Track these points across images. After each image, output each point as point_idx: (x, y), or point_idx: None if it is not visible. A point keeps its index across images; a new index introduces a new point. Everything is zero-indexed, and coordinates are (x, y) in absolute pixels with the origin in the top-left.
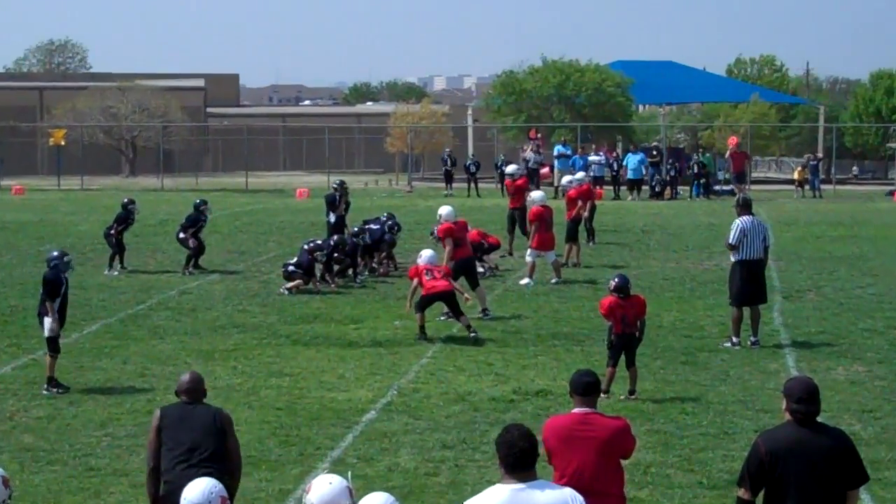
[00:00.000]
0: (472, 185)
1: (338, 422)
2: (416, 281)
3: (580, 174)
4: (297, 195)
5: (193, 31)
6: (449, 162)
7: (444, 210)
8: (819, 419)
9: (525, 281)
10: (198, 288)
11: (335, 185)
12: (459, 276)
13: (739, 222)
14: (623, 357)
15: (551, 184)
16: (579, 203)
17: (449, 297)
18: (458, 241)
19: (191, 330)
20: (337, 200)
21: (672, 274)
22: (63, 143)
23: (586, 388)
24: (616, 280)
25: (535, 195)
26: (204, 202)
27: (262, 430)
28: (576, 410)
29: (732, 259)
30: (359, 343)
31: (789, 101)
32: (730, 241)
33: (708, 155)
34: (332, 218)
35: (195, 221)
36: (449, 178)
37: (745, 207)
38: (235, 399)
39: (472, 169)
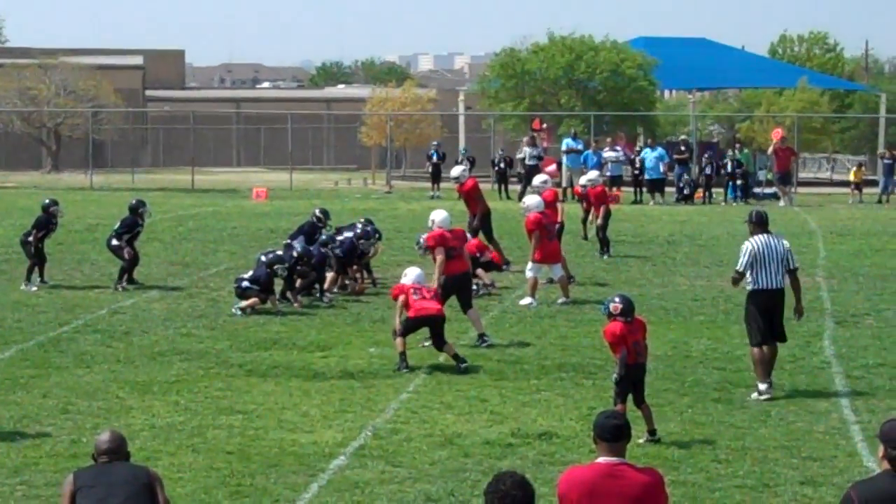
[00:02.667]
0: None
1: (300, 469)
2: (401, 299)
3: (594, 173)
4: (254, 196)
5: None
6: (436, 157)
7: (439, 215)
8: None
9: (526, 301)
10: (133, 307)
11: (318, 215)
12: (451, 295)
13: (750, 244)
14: (631, 394)
15: (559, 184)
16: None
17: (439, 323)
18: (452, 251)
19: (124, 357)
20: (317, 233)
21: (703, 294)
22: None
23: (615, 432)
24: (619, 302)
25: (530, 201)
26: (141, 203)
27: (208, 479)
28: (601, 460)
29: (747, 288)
30: (326, 374)
31: (844, 88)
32: (738, 267)
33: (746, 151)
34: (299, 248)
35: (131, 227)
36: (436, 177)
37: (758, 224)
38: (177, 441)
39: (467, 164)
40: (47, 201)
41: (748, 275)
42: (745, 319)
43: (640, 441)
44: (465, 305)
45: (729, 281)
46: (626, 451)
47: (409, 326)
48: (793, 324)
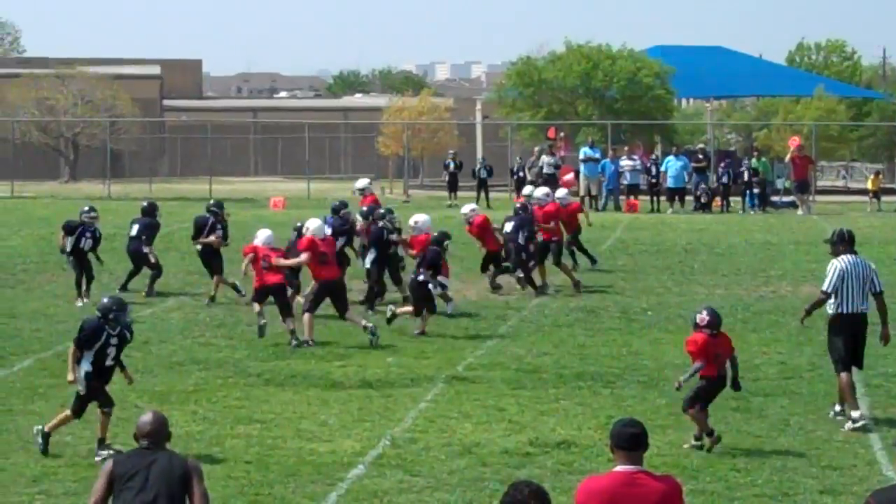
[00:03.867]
0: (483, 193)
1: (318, 478)
2: (249, 257)
3: (563, 191)
4: (271, 205)
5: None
6: (453, 166)
7: (313, 223)
8: None
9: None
10: (151, 316)
11: (213, 207)
12: (323, 299)
13: (838, 263)
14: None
15: (577, 193)
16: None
17: (279, 292)
18: (323, 258)
19: (142, 367)
20: (207, 227)
21: (720, 302)
22: None
23: (632, 440)
24: (707, 315)
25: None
26: (154, 205)
27: (227, 488)
28: (618, 469)
29: (829, 311)
30: (344, 383)
31: (862, 96)
32: (825, 287)
33: (764, 159)
34: (199, 247)
35: (154, 228)
36: (453, 186)
37: (844, 243)
38: (195, 450)
39: (483, 175)
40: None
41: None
42: (828, 346)
43: (685, 446)
44: (342, 310)
45: (747, 289)
46: (643, 459)
47: (256, 295)
48: (811, 332)
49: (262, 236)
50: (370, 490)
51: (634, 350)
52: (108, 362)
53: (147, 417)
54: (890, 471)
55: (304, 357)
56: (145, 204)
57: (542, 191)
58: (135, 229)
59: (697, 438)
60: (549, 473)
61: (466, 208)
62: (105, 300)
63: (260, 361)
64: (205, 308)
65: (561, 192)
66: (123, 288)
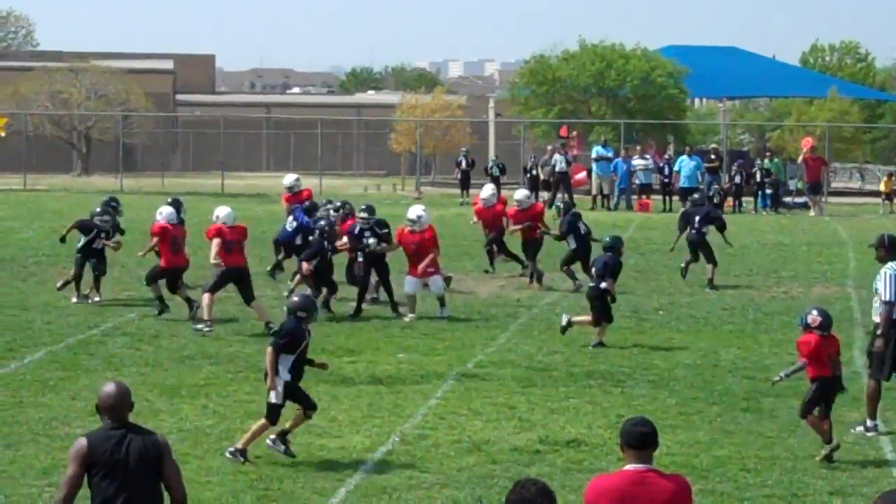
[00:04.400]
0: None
1: (328, 474)
2: (155, 241)
3: (522, 193)
4: (283, 201)
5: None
6: (465, 163)
7: (222, 211)
8: None
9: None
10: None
11: (112, 203)
12: (226, 283)
13: (891, 270)
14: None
15: (588, 191)
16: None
17: (178, 274)
18: (230, 245)
19: (153, 360)
20: (97, 232)
21: (732, 303)
22: (3, 133)
23: (642, 439)
24: (818, 315)
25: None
26: (178, 201)
27: (236, 483)
28: (628, 468)
29: (876, 318)
30: (354, 379)
31: (876, 97)
32: (888, 297)
33: (776, 160)
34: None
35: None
36: (465, 183)
37: (891, 249)
38: (205, 444)
39: (496, 172)
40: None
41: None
42: (873, 352)
43: (818, 458)
44: (248, 298)
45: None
46: (653, 458)
47: (160, 275)
48: None
49: (165, 213)
50: (379, 486)
51: (645, 349)
52: (303, 362)
53: (110, 390)
54: None
55: (313, 353)
56: (170, 200)
57: (488, 189)
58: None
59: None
60: (558, 472)
61: (520, 194)
62: (298, 299)
63: None
64: (216, 303)
65: (486, 192)
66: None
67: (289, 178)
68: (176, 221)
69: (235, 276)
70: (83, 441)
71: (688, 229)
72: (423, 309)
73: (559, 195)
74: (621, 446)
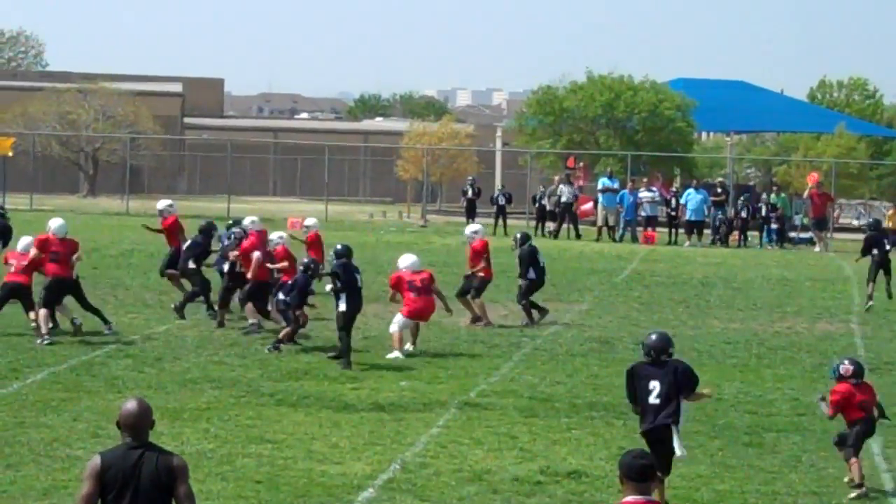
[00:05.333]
0: (501, 220)
1: (328, 500)
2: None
3: (476, 227)
4: (289, 226)
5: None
6: (471, 192)
7: (55, 223)
8: None
9: (393, 354)
10: (165, 333)
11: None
12: (56, 294)
13: None
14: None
15: (594, 223)
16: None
17: (24, 292)
18: (55, 255)
19: (155, 383)
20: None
21: (736, 337)
22: (10, 153)
23: (642, 472)
24: (850, 365)
25: (402, 261)
26: (213, 225)
27: None
28: (628, 500)
29: None
30: (356, 406)
31: (883, 134)
32: None
33: (783, 195)
34: None
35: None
36: (471, 212)
37: None
38: (206, 468)
39: (501, 201)
40: (204, 223)
41: None
42: None
43: (850, 497)
44: (83, 304)
45: (763, 324)
46: (652, 490)
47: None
48: (825, 370)
49: (22, 243)
50: None
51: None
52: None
53: (132, 407)
54: None
55: (316, 378)
56: (204, 223)
57: (471, 228)
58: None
59: (855, 485)
60: (559, 503)
61: (469, 229)
62: (654, 337)
63: (273, 381)
64: (219, 327)
65: (470, 229)
66: (209, 307)
67: (162, 203)
68: (62, 235)
69: (60, 287)
70: (97, 459)
71: (874, 251)
72: (425, 337)
73: (564, 226)
74: (620, 479)
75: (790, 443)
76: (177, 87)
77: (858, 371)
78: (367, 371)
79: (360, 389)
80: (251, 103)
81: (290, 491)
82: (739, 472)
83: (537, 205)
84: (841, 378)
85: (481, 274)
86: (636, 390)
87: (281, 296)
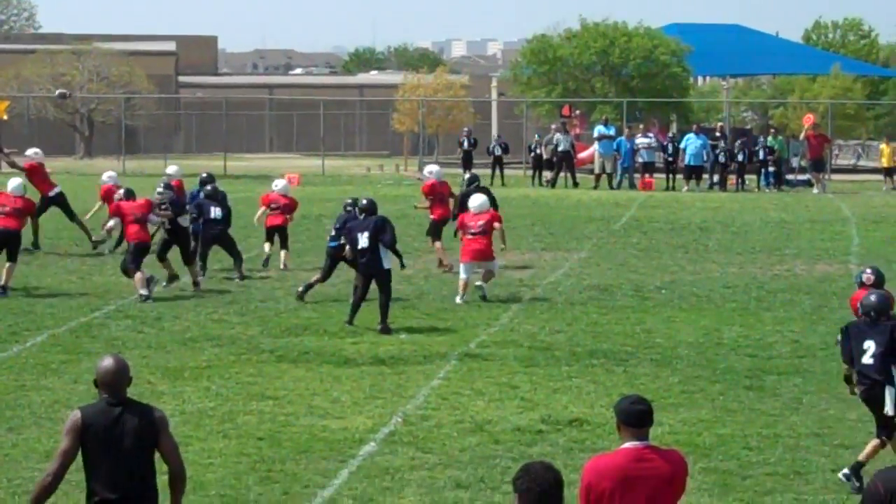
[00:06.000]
0: (498, 171)
1: (330, 455)
2: None
3: (434, 167)
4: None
5: None
6: (467, 143)
7: (11, 184)
8: None
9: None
10: (164, 292)
11: None
12: None
13: None
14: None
15: (591, 171)
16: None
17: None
18: (2, 208)
19: (155, 343)
20: None
21: (735, 281)
22: (5, 117)
23: (640, 417)
24: (871, 273)
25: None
26: (211, 177)
27: (239, 465)
28: (627, 446)
29: None
30: (357, 360)
31: (879, 74)
32: None
33: (780, 137)
34: None
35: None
36: (468, 163)
37: None
38: (208, 426)
39: (498, 152)
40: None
41: None
42: None
43: None
44: (10, 258)
45: (762, 267)
46: (649, 435)
47: None
48: (825, 311)
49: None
50: (382, 467)
51: (648, 328)
52: None
53: (109, 364)
54: None
55: (316, 334)
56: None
57: (427, 169)
58: (216, 211)
59: None
60: (560, 451)
61: (425, 169)
62: (874, 298)
63: (272, 338)
64: (218, 285)
65: (426, 169)
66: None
67: (426, 169)
68: (20, 193)
69: (5, 237)
70: (78, 414)
71: None
72: (425, 289)
73: (561, 174)
74: (618, 425)
75: (791, 385)
76: (170, 46)
77: (879, 280)
78: (367, 325)
79: (360, 344)
80: (245, 60)
81: (291, 447)
82: (740, 416)
83: (533, 154)
84: (862, 285)
85: (432, 216)
86: (852, 351)
87: None
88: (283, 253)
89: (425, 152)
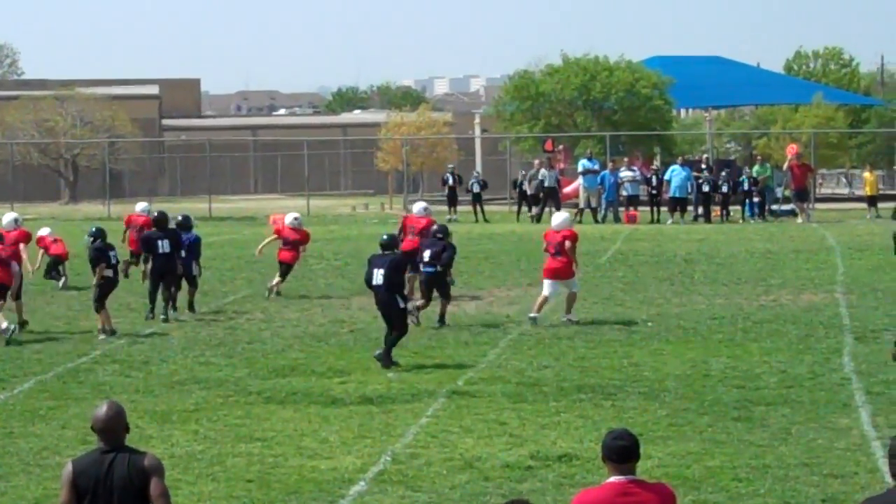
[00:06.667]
0: (478, 208)
1: (320, 496)
2: None
3: (421, 204)
4: (271, 222)
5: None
6: (452, 180)
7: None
8: None
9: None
10: (151, 336)
11: None
12: None
13: None
14: None
15: (576, 205)
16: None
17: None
18: None
19: (143, 387)
20: None
21: (721, 312)
22: None
23: (622, 453)
24: None
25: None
26: (187, 218)
27: None
28: (612, 480)
29: None
30: (345, 400)
31: (860, 103)
32: None
33: (767, 164)
34: None
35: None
36: (452, 201)
37: None
38: (196, 469)
39: (476, 189)
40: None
41: None
42: None
43: None
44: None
45: (748, 298)
46: (636, 469)
47: None
48: (812, 341)
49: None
50: None
51: (635, 361)
52: None
53: (102, 412)
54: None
55: (303, 374)
56: (180, 217)
57: (418, 206)
58: (164, 245)
59: None
60: (550, 487)
61: (416, 207)
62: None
63: (260, 380)
64: (205, 327)
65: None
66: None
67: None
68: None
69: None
70: (69, 466)
71: None
72: (412, 327)
73: (547, 209)
74: (603, 459)
75: (779, 415)
76: (153, 90)
77: None
78: (354, 364)
79: (348, 383)
80: (229, 102)
81: (281, 488)
82: (729, 448)
83: (518, 189)
84: None
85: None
86: None
87: None
88: (277, 279)
89: (410, 190)
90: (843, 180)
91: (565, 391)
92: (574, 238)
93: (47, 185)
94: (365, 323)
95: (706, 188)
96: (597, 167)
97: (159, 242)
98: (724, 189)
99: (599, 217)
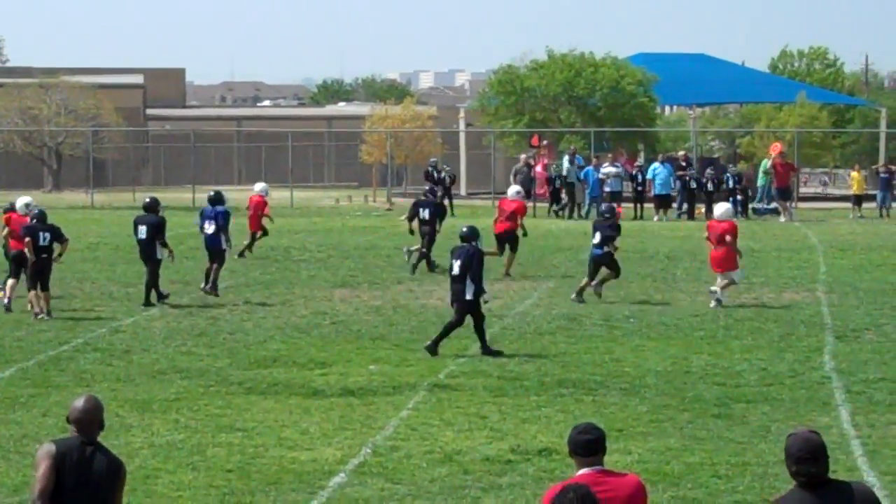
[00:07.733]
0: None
1: (300, 487)
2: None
3: (515, 188)
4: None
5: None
6: (435, 174)
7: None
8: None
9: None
10: (133, 325)
11: None
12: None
13: None
14: None
15: (559, 201)
16: None
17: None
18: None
19: (124, 376)
20: None
21: (703, 309)
22: None
23: (587, 447)
24: None
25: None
26: (155, 200)
27: (208, 497)
28: (581, 472)
29: None
30: (326, 392)
31: (844, 102)
32: None
33: (766, 160)
34: None
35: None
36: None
37: None
38: (176, 459)
39: (446, 182)
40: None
41: None
42: None
43: None
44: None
45: (730, 296)
46: (603, 461)
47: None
48: (793, 339)
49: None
50: (351, 498)
51: (616, 357)
52: None
53: (80, 403)
54: (871, 476)
55: (285, 365)
56: (147, 200)
57: (512, 189)
58: (143, 230)
59: None
60: (530, 481)
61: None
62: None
63: (241, 370)
64: (187, 317)
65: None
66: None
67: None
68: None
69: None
70: (51, 445)
71: None
72: (394, 319)
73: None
74: (570, 454)
75: (759, 413)
76: (138, 79)
77: None
78: (336, 356)
79: (329, 375)
80: (214, 92)
81: (261, 479)
82: (709, 444)
83: (552, 187)
84: None
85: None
86: None
87: None
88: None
89: (394, 183)
90: (825, 179)
91: (546, 386)
92: (734, 231)
93: (30, 174)
94: (346, 315)
95: (693, 185)
96: (580, 163)
97: (40, 234)
98: (709, 187)
99: (583, 213)
